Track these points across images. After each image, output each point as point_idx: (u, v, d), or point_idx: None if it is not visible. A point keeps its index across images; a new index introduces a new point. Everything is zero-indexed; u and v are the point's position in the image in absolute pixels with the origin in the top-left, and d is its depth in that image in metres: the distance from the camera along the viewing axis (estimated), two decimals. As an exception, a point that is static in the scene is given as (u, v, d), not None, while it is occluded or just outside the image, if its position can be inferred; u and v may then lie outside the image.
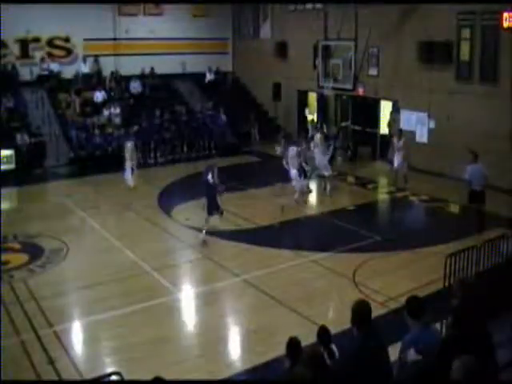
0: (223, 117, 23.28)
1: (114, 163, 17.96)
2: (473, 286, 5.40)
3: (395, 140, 17.10)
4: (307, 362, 4.41)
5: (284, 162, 15.32)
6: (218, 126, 23.12)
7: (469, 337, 4.47)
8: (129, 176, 16.80)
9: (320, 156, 16.37)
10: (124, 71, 24.23)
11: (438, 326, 7.28)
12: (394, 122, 20.00)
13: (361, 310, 4.84)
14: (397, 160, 16.91)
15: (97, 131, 21.05)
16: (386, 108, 20.73)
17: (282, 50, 24.38)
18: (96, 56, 23.78)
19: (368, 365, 4.62)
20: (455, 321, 4.80)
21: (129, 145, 17.02)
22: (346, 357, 5.08)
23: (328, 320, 8.55)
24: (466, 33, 16.86)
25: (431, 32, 17.38)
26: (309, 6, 22.88)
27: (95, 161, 19.74)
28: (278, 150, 18.98)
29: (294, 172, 15.12)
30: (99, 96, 22.74)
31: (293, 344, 5.42)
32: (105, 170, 18.48)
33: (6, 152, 18.98)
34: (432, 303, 8.34)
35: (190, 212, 14.73)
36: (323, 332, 6.01)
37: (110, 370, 7.36)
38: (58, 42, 23.48)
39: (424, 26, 17.54)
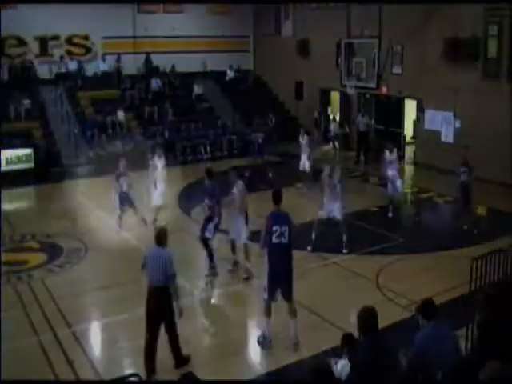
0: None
1: (134, 162, 17.87)
2: (497, 297, 5.24)
3: (387, 153, 14.31)
4: (314, 375, 4.28)
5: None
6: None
7: (495, 350, 4.34)
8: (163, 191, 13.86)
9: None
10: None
11: (463, 330, 7.08)
12: (418, 121, 19.68)
13: (366, 317, 4.86)
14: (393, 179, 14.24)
15: (117, 130, 21.08)
16: (409, 107, 20.40)
17: (304, 48, 24.15)
18: (118, 54, 23.80)
19: (377, 370, 4.60)
20: (481, 337, 4.69)
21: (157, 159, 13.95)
22: (354, 365, 5.00)
23: (350, 324, 8.33)
24: (493, 29, 16.47)
25: (457, 29, 17.02)
26: (331, 3, 22.64)
27: (114, 160, 19.65)
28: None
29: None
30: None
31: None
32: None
33: (25, 151, 19.01)
34: (457, 307, 8.18)
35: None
36: (348, 339, 5.78)
37: (128, 371, 7.28)
38: (77, 40, 23.61)
39: (450, 22, 17.19)
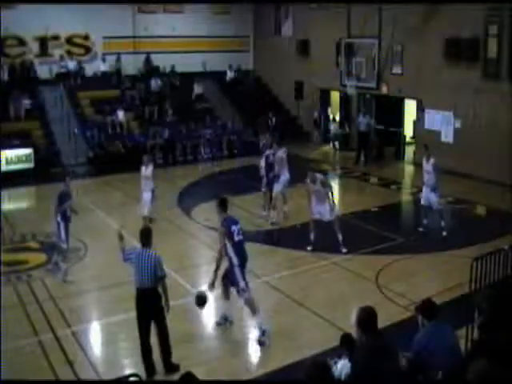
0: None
1: (133, 162, 17.88)
2: (498, 298, 5.27)
3: (424, 159, 12.94)
4: (313, 375, 4.27)
5: None
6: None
7: (496, 351, 4.34)
8: (147, 200, 13.54)
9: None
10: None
11: (463, 330, 7.07)
12: (417, 120, 19.68)
13: (366, 317, 4.88)
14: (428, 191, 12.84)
15: (117, 130, 21.08)
16: (409, 107, 20.40)
17: (304, 47, 24.13)
18: (118, 54, 23.80)
19: (377, 370, 4.60)
20: (482, 338, 4.69)
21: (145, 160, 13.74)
22: (354, 365, 5.01)
23: (350, 324, 8.32)
24: (493, 29, 16.46)
25: (457, 29, 17.01)
26: (331, 3, 22.62)
27: (114, 160, 19.70)
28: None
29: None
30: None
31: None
32: (123, 170, 18.42)
33: (25, 151, 19.02)
34: (457, 307, 8.17)
35: (210, 212, 14.59)
36: (347, 339, 5.78)
37: (128, 371, 7.27)
38: (77, 40, 23.58)
39: (450, 22, 17.18)
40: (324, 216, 11.77)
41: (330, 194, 11.82)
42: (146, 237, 7.64)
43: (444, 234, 12.64)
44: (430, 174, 12.54)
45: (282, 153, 14.09)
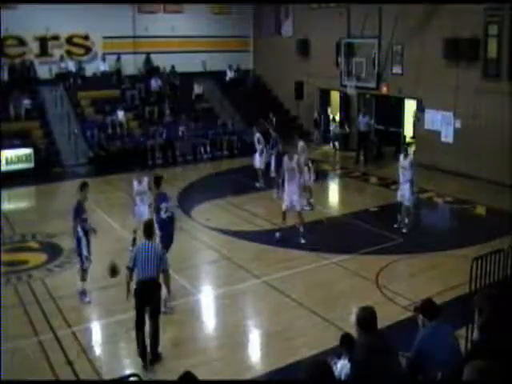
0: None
1: (133, 162, 17.87)
2: (498, 298, 5.27)
3: (401, 155, 13.08)
4: (313, 374, 4.25)
5: None
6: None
7: (496, 351, 4.33)
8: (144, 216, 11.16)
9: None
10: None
11: (463, 330, 7.08)
12: (418, 121, 19.67)
13: (366, 317, 4.88)
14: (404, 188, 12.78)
15: (117, 130, 21.08)
16: (410, 107, 20.40)
17: (304, 47, 24.13)
18: (118, 54, 23.80)
19: (377, 370, 4.60)
20: (482, 338, 4.68)
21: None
22: (353, 365, 5.00)
23: (350, 324, 8.33)
24: (493, 29, 16.46)
25: (457, 29, 17.01)
26: (331, 3, 22.62)
27: (114, 160, 19.69)
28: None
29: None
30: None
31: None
32: (124, 170, 18.39)
33: (25, 151, 19.02)
34: (457, 307, 8.16)
35: (210, 212, 14.64)
36: (347, 339, 5.79)
37: (128, 371, 7.28)
38: (77, 40, 23.56)
39: (450, 22, 17.18)
40: (292, 199, 12.18)
41: (300, 175, 12.44)
42: (149, 229, 7.97)
43: (404, 230, 12.78)
44: (406, 170, 12.61)
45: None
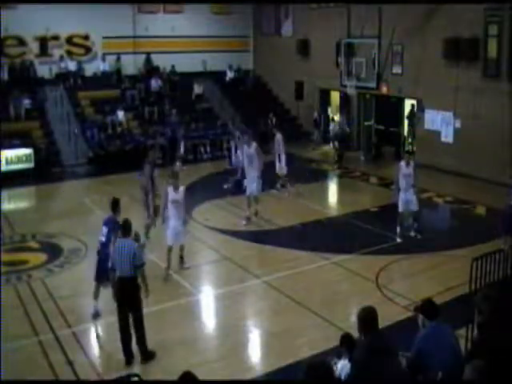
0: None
1: (133, 162, 17.86)
2: (497, 298, 5.28)
3: (403, 163, 12.40)
4: (316, 375, 4.25)
5: None
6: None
7: (496, 351, 4.34)
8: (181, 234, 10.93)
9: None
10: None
11: (463, 330, 7.08)
12: (418, 121, 19.64)
13: (366, 317, 4.88)
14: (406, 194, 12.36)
15: (117, 129, 21.07)
16: (409, 107, 20.39)
17: (304, 47, 24.13)
18: (118, 54, 23.79)
19: (377, 370, 4.59)
20: (482, 338, 4.69)
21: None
22: (354, 365, 5.00)
23: (350, 324, 8.33)
24: (493, 29, 16.45)
25: (457, 29, 17.00)
26: (331, 3, 22.61)
27: (114, 160, 19.66)
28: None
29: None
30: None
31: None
32: (124, 170, 18.40)
33: (25, 151, 19.01)
34: (457, 307, 8.17)
35: (211, 212, 14.64)
36: (347, 339, 5.78)
37: (128, 371, 7.24)
38: (77, 40, 23.55)
39: (450, 22, 17.18)
40: (250, 187, 13.22)
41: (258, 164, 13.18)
42: (126, 228, 8.02)
43: (419, 236, 12.48)
44: (411, 176, 12.18)
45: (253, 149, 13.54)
